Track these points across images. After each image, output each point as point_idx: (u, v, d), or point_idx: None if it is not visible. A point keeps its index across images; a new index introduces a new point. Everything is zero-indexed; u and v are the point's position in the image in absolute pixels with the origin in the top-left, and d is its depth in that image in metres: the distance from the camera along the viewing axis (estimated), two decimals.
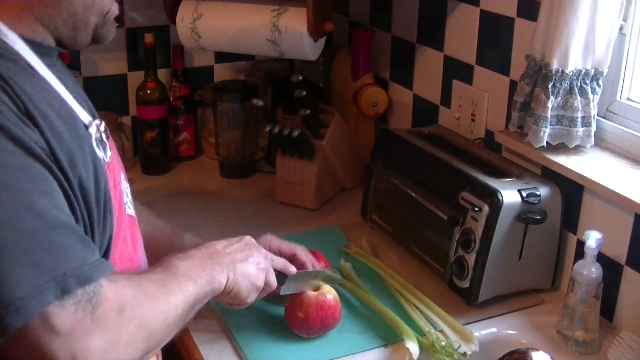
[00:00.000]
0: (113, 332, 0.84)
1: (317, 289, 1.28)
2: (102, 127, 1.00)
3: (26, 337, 0.79)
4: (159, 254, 1.21)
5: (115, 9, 1.00)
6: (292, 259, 1.28)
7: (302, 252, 1.30)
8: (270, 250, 1.25)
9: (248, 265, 1.11)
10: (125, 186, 1.07)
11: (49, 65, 0.93)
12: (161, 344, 0.94)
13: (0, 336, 0.77)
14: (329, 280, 1.30)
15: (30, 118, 0.84)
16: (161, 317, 0.91)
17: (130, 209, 1.07)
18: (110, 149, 1.02)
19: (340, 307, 1.28)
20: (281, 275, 1.20)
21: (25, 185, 0.80)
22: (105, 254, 0.96)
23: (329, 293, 1.27)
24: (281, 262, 1.21)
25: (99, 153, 0.97)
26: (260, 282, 1.13)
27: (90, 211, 0.90)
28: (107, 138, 1.02)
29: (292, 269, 1.22)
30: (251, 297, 1.12)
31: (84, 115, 0.96)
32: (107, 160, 0.99)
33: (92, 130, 0.96)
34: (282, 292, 1.22)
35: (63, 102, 0.93)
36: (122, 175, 1.07)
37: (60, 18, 0.94)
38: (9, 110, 0.82)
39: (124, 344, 0.85)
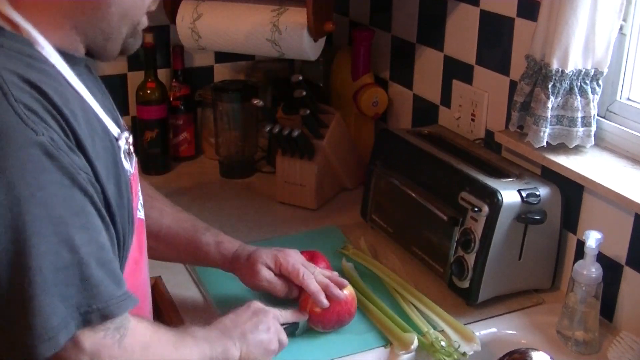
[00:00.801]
0: None
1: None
2: (131, 138, 1.02)
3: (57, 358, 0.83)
4: (180, 250, 1.30)
5: (145, 21, 1.01)
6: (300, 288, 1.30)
7: (313, 285, 1.27)
8: (281, 271, 1.28)
9: (259, 333, 1.13)
10: (139, 189, 1.08)
11: (78, 75, 0.93)
12: None
13: None
14: None
15: (77, 143, 0.86)
16: None
17: (140, 212, 1.09)
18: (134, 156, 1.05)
19: (356, 303, 1.30)
20: (294, 324, 1.25)
21: (67, 219, 0.82)
22: (124, 258, 0.98)
23: (346, 289, 1.28)
24: (290, 314, 1.25)
25: (126, 165, 0.99)
26: (275, 346, 1.15)
27: (117, 228, 0.93)
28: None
29: (305, 316, 1.26)
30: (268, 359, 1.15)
31: (113, 128, 0.97)
32: (132, 171, 1.01)
33: (122, 142, 0.98)
34: (298, 335, 1.26)
35: (98, 119, 0.94)
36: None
37: (97, 26, 0.94)
38: (59, 138, 0.84)
39: None
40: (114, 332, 0.87)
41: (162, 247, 1.29)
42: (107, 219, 0.90)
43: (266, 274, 1.28)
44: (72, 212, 0.83)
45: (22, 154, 0.80)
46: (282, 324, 1.20)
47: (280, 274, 1.28)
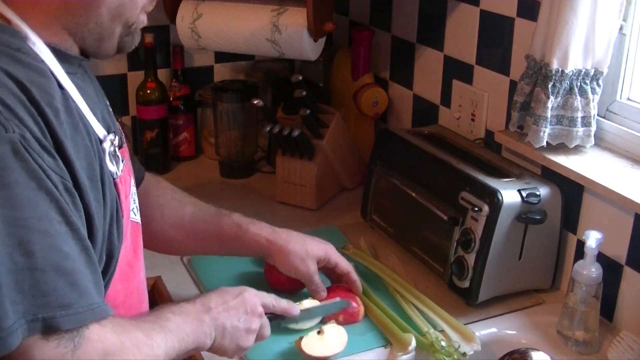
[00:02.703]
0: None
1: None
2: (117, 140, 1.00)
3: None
4: (204, 239, 1.29)
5: (143, 20, 1.00)
6: (342, 276, 1.34)
7: (354, 273, 1.34)
8: (328, 266, 1.32)
9: (238, 327, 1.09)
10: (133, 192, 1.07)
11: (69, 73, 0.93)
12: None
13: None
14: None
15: (55, 143, 0.84)
16: None
17: (135, 216, 1.07)
18: (123, 158, 1.02)
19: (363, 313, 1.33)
20: (280, 317, 1.21)
21: (27, 222, 0.80)
22: (109, 262, 0.96)
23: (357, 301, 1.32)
24: (284, 306, 1.20)
25: (112, 168, 0.97)
26: (248, 344, 1.11)
27: (94, 231, 0.90)
28: (121, 147, 1.02)
29: (295, 312, 1.22)
30: (236, 356, 1.13)
31: (99, 130, 0.96)
32: (119, 174, 0.99)
33: (106, 145, 0.97)
34: (298, 327, 1.26)
35: (83, 119, 0.92)
36: (132, 181, 1.07)
37: (86, 28, 0.93)
38: (32, 137, 0.81)
39: None
40: (68, 341, 0.83)
41: (187, 239, 1.28)
42: (78, 225, 0.86)
43: (314, 269, 1.30)
44: (34, 216, 0.80)
45: None
46: (271, 314, 1.18)
47: (324, 267, 1.33)
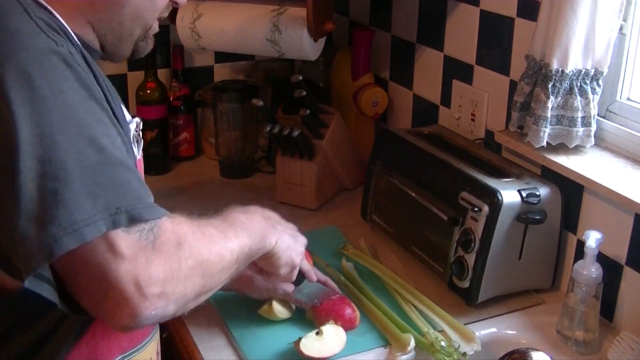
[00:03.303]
0: (173, 264, 0.86)
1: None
2: (141, 125, 1.05)
3: (91, 260, 0.81)
4: None
5: (156, 26, 1.04)
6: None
7: (312, 273, 1.33)
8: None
9: (293, 242, 1.17)
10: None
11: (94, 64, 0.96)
12: (214, 289, 0.96)
13: (53, 255, 0.79)
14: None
15: (92, 71, 0.89)
16: (217, 259, 0.94)
17: None
18: (142, 142, 1.08)
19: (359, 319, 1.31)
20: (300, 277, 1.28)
21: (90, 123, 0.83)
22: None
23: (351, 308, 1.30)
24: (307, 266, 1.30)
25: (135, 149, 1.01)
26: (297, 261, 1.20)
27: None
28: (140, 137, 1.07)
29: (314, 277, 1.30)
30: (284, 270, 1.18)
31: (126, 113, 1.00)
32: (138, 157, 1.04)
33: (132, 126, 1.01)
34: (293, 295, 1.28)
35: (114, 100, 0.96)
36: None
37: (109, 25, 0.97)
38: (80, 58, 0.86)
39: (183, 277, 0.87)
40: (149, 232, 0.85)
41: None
42: (124, 136, 0.90)
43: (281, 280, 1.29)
44: (92, 118, 0.84)
45: (44, 60, 0.82)
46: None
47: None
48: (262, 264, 1.16)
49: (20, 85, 0.80)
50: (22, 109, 0.79)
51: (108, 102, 0.90)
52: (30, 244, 0.79)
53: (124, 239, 0.82)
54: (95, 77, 0.90)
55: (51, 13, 0.91)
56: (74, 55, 0.86)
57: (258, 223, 1.08)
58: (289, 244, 1.15)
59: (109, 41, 0.99)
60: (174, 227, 0.89)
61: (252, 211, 1.10)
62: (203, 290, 0.92)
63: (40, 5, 0.90)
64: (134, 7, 0.97)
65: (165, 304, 0.85)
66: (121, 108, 0.97)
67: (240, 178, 1.99)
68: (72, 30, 0.93)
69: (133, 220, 0.83)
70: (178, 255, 0.87)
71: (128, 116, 1.01)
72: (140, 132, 1.05)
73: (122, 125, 0.93)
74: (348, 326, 1.27)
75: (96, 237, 0.80)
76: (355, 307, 1.30)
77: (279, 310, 1.30)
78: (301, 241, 1.21)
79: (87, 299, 0.84)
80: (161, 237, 0.86)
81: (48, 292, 0.84)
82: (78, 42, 0.93)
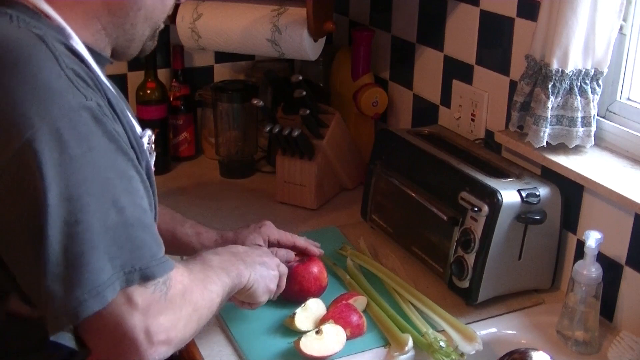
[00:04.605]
0: (177, 313, 0.92)
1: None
2: (153, 138, 1.06)
3: (109, 316, 0.86)
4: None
5: (162, 25, 1.05)
6: (292, 248, 1.36)
7: (300, 239, 1.37)
8: (270, 241, 1.34)
9: (265, 268, 1.18)
10: None
11: (104, 75, 0.97)
12: (201, 328, 1.01)
13: (79, 318, 0.83)
14: None
15: (114, 112, 0.91)
16: (209, 304, 1.00)
17: None
18: (154, 153, 1.09)
19: (326, 276, 1.36)
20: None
21: (114, 181, 0.86)
22: None
23: (317, 265, 1.35)
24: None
25: (149, 160, 1.02)
26: (273, 286, 1.20)
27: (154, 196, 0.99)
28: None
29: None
30: (264, 298, 1.19)
31: (137, 126, 1.01)
32: (152, 168, 1.04)
33: (145, 139, 1.02)
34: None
35: (126, 116, 0.96)
36: None
37: (122, 28, 0.98)
38: (105, 105, 0.88)
39: (182, 324, 0.93)
40: (162, 285, 0.90)
41: None
42: (148, 183, 0.93)
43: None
44: (117, 175, 0.87)
45: (74, 116, 0.84)
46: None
47: (270, 244, 1.35)
48: (242, 297, 1.17)
49: (52, 146, 0.82)
50: (52, 171, 0.81)
51: (128, 137, 0.92)
52: (56, 305, 0.83)
53: (141, 293, 0.87)
54: (118, 117, 0.92)
55: (61, 29, 0.91)
56: (102, 107, 0.87)
57: (229, 261, 1.11)
58: (261, 273, 1.16)
59: (120, 43, 1.00)
60: (180, 278, 0.95)
61: (220, 251, 1.13)
62: (196, 332, 0.99)
63: (49, 18, 0.91)
64: (147, 9, 0.98)
65: (167, 349, 0.91)
66: (133, 124, 0.98)
67: (240, 178, 1.99)
68: (84, 41, 0.93)
69: (146, 278, 0.88)
70: (183, 305, 0.94)
71: (139, 129, 1.02)
72: (153, 145, 1.07)
73: (137, 144, 0.96)
74: (356, 333, 1.27)
75: (113, 296, 0.85)
76: (361, 314, 1.30)
77: (301, 322, 1.29)
78: (272, 265, 1.21)
79: (99, 342, 0.88)
80: (172, 289, 0.92)
81: (70, 341, 0.93)
82: (103, 84, 0.93)
